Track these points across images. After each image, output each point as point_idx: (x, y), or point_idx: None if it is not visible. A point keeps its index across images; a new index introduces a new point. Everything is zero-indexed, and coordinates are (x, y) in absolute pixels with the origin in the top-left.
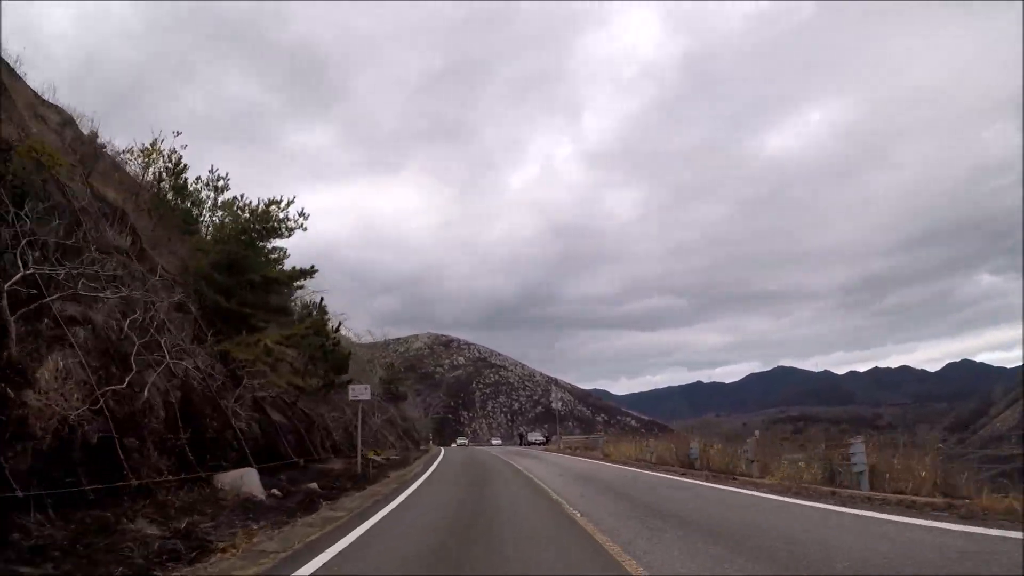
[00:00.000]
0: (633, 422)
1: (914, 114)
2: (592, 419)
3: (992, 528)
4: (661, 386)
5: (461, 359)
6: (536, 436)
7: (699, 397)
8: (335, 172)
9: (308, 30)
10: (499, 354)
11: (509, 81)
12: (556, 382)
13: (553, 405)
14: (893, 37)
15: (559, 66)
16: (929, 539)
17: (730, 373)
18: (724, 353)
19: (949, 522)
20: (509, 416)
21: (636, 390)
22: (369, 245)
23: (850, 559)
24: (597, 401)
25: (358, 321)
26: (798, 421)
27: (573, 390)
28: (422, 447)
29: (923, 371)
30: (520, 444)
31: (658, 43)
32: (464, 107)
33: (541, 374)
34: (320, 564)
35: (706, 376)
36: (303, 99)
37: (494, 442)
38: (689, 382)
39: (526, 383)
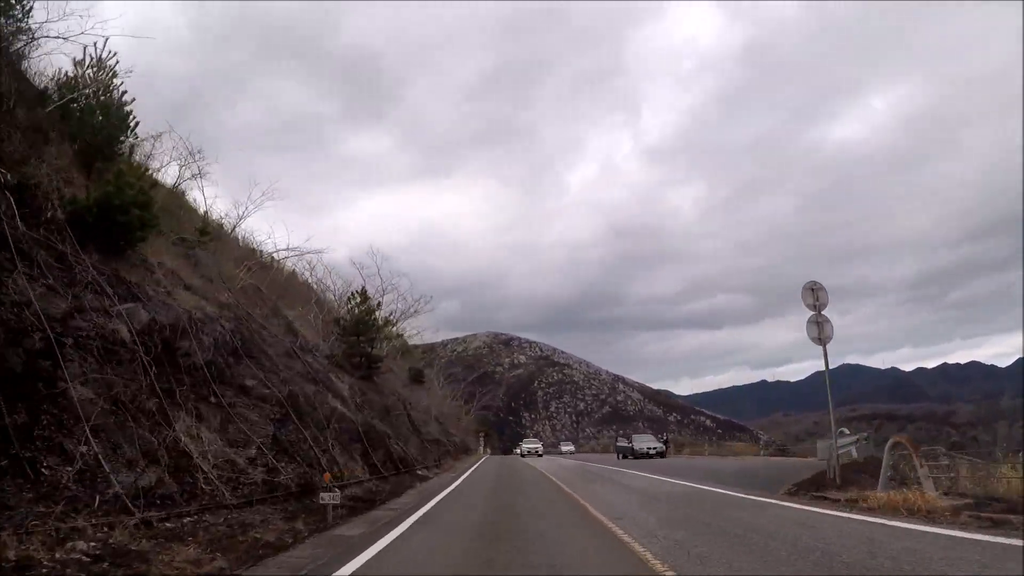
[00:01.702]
0: (708, 422)
1: (983, 98)
2: (664, 419)
3: None
4: (725, 386)
5: (522, 358)
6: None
7: (764, 396)
8: (393, 177)
9: (361, 36)
10: (562, 352)
11: (566, 79)
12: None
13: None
14: (957, 16)
15: (616, 61)
16: None
17: (794, 371)
18: (788, 351)
19: None
20: (574, 417)
21: (699, 390)
22: (429, 250)
23: None
24: (667, 400)
25: (419, 322)
26: (873, 419)
27: (642, 389)
28: (415, 471)
29: (993, 366)
30: (622, 456)
31: (717, 33)
32: (521, 107)
33: (607, 372)
34: None
35: (770, 375)
36: (359, 105)
37: (564, 448)
38: (753, 381)
39: (592, 382)
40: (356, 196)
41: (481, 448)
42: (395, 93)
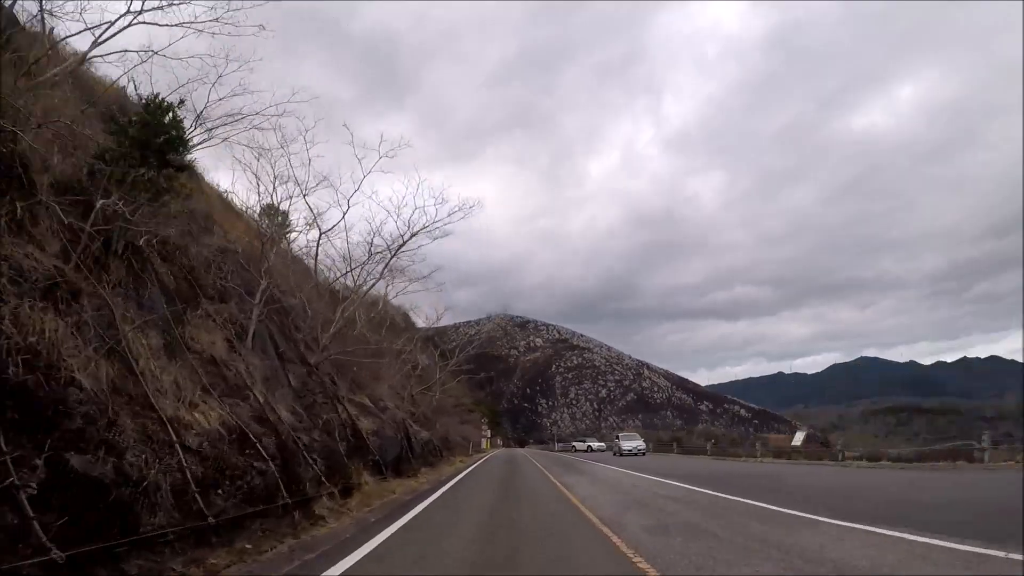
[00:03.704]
0: (742, 411)
1: (1011, 90)
2: (694, 408)
3: None
4: (741, 377)
5: (539, 340)
6: None
7: (781, 388)
8: (413, 163)
9: (381, 20)
10: (582, 335)
11: (587, 66)
12: None
13: None
14: (987, 5)
15: (639, 47)
16: None
17: (811, 364)
18: (806, 343)
19: None
20: (596, 405)
21: (716, 381)
22: (448, 239)
23: None
24: (697, 387)
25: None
26: (900, 413)
27: (669, 375)
28: None
29: (1013, 361)
30: None
31: (742, 18)
32: (542, 94)
33: (631, 357)
34: None
35: (786, 367)
36: (378, 89)
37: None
38: (770, 373)
39: (614, 367)
40: (374, 180)
41: (486, 442)
42: (415, 78)
